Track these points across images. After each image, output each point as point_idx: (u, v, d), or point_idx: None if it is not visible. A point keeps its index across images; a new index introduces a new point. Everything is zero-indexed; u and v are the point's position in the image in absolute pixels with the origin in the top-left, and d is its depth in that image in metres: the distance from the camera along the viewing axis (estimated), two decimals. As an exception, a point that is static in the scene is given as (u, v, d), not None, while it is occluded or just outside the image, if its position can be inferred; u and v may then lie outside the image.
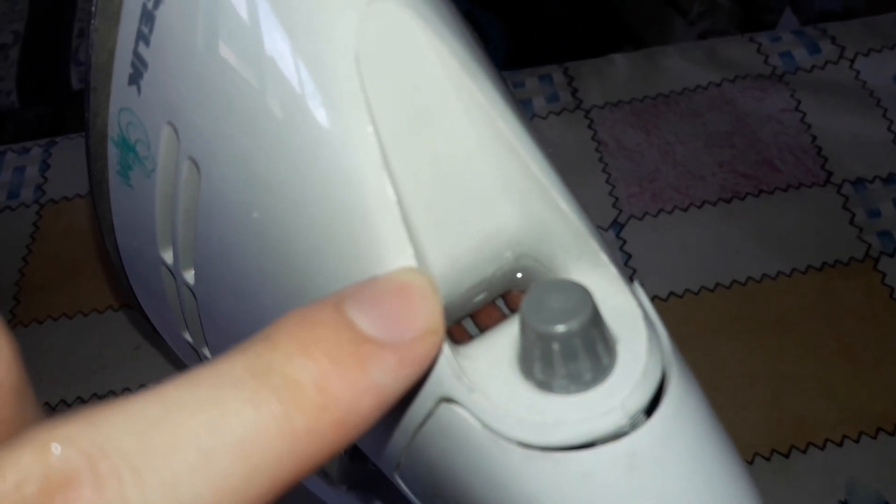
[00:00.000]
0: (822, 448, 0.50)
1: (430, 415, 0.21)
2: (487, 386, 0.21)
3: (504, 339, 0.22)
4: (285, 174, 0.22)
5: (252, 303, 0.26)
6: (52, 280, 0.61)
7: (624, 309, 0.22)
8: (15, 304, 0.60)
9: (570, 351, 0.20)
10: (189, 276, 0.29)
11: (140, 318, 0.58)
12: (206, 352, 0.34)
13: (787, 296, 0.55)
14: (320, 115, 0.21)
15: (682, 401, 0.21)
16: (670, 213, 0.59)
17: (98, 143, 0.29)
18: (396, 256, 0.20)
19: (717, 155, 0.61)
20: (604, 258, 0.22)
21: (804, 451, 0.50)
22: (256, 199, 0.23)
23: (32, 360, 0.57)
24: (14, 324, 0.59)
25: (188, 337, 0.35)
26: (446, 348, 0.20)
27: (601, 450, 0.20)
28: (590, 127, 0.64)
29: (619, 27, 0.86)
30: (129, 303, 0.50)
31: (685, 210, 0.59)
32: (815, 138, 0.61)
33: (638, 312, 0.22)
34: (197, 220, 0.26)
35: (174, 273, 0.30)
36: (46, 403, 0.55)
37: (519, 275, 0.24)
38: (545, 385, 0.21)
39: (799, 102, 0.63)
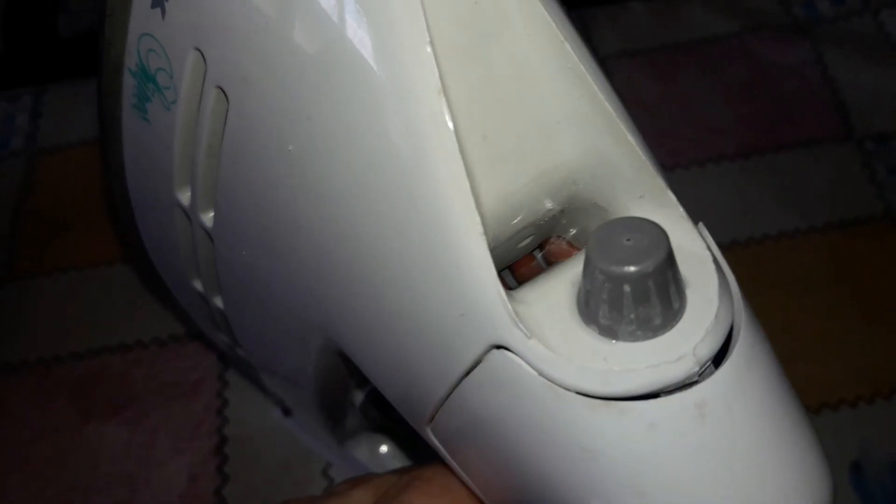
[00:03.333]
0: (836, 409, 0.49)
1: (477, 363, 0.20)
2: (545, 332, 0.19)
3: (561, 283, 0.20)
4: (328, 100, 0.20)
5: (282, 245, 0.24)
6: (46, 233, 0.59)
7: (693, 251, 0.20)
8: (8, 257, 0.58)
9: (643, 293, 0.18)
10: (207, 218, 0.27)
11: (140, 272, 0.56)
12: (218, 301, 0.32)
13: (804, 254, 0.54)
14: (371, 32, 0.19)
15: (751, 349, 0.20)
16: (687, 168, 0.58)
17: (112, 74, 0.27)
18: (451, 189, 0.19)
19: (737, 108, 0.60)
20: (671, 197, 0.20)
21: (817, 413, 0.49)
22: (293, 130, 0.21)
23: (26, 315, 0.55)
24: (8, 278, 0.56)
25: (198, 286, 0.33)
26: (501, 291, 0.19)
27: (670, 399, 0.19)
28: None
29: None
30: (132, 253, 0.47)
31: (702, 165, 0.58)
32: (836, 92, 0.60)
33: (707, 255, 0.20)
34: (221, 156, 0.24)
35: (190, 215, 0.28)
36: (40, 358, 0.54)
37: (576, 214, 0.22)
38: (609, 331, 0.19)
39: (821, 55, 0.61)
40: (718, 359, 0.20)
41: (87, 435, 0.51)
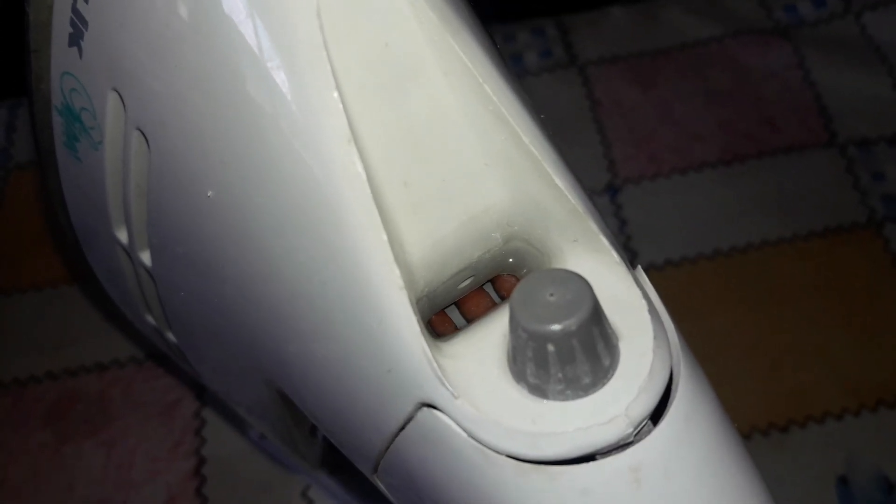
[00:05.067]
0: (821, 422, 0.48)
1: (409, 420, 0.19)
2: (473, 390, 0.18)
3: (492, 335, 0.19)
4: (241, 146, 0.19)
5: (212, 288, 0.23)
6: (20, 249, 0.58)
7: (626, 300, 0.19)
8: (-20, 275, 0.57)
9: (567, 352, 0.17)
10: (145, 257, 0.27)
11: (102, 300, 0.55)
12: (171, 336, 0.32)
13: (787, 263, 0.53)
14: (279, 78, 0.18)
15: (691, 405, 0.19)
16: (668, 177, 0.57)
17: (43, 110, 0.26)
18: (367, 241, 0.18)
19: (718, 114, 0.59)
20: (603, 242, 0.19)
21: (802, 426, 0.48)
22: (210, 176, 0.20)
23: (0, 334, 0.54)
24: (-22, 295, 0.56)
25: (151, 320, 0.32)
26: (426, 348, 0.18)
27: (603, 463, 0.18)
28: (584, 84, 0.61)
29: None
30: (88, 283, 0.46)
31: (683, 174, 0.57)
32: (818, 97, 0.59)
33: (642, 304, 0.19)
34: (149, 198, 0.23)
35: (130, 254, 0.28)
36: (15, 379, 0.53)
37: (510, 259, 0.22)
38: (538, 390, 0.18)
39: (803, 59, 0.60)
40: (657, 413, 0.19)
41: (64, 456, 0.50)
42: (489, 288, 0.23)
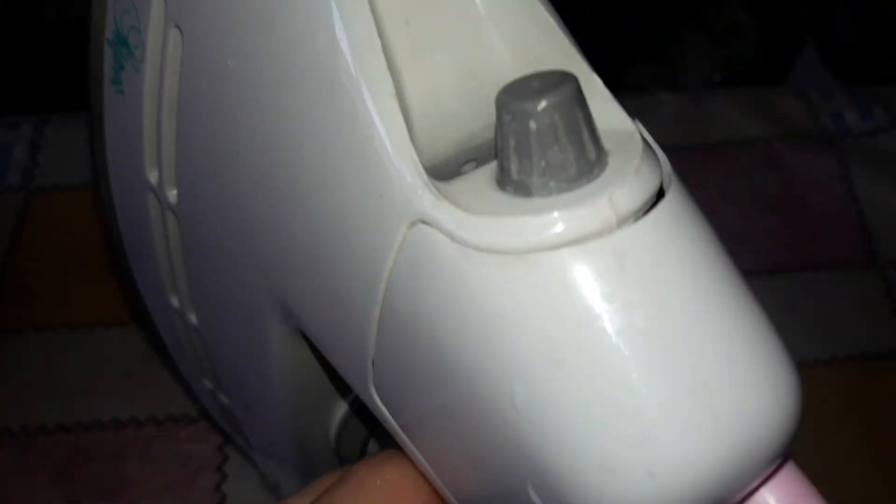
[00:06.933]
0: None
1: (399, 251, 0.19)
2: (459, 199, 0.19)
3: (479, 172, 0.20)
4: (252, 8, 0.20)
5: (229, 195, 0.24)
6: (39, 282, 0.55)
7: (619, 128, 0.19)
8: (-6, 306, 0.54)
9: (550, 130, 0.17)
10: (172, 195, 0.28)
11: (134, 308, 0.53)
12: (193, 318, 0.32)
13: (821, 387, 0.52)
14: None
15: (681, 207, 0.18)
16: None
17: (97, 55, 0.27)
18: (359, 43, 0.18)
19: (762, 219, 0.58)
20: (597, 81, 0.20)
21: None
22: (231, 48, 0.21)
23: (9, 375, 0.52)
24: (-7, 330, 0.53)
25: (175, 302, 0.32)
26: (414, 155, 0.18)
27: (585, 246, 0.17)
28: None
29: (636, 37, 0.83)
30: (124, 282, 0.43)
31: (725, 278, 0.57)
32: (861, 213, 0.59)
33: (633, 130, 0.19)
34: (179, 106, 0.24)
35: (158, 195, 0.28)
36: (24, 428, 0.51)
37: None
38: (523, 187, 0.18)
39: (848, 170, 0.60)
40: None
41: (75, 520, 0.48)
42: None
